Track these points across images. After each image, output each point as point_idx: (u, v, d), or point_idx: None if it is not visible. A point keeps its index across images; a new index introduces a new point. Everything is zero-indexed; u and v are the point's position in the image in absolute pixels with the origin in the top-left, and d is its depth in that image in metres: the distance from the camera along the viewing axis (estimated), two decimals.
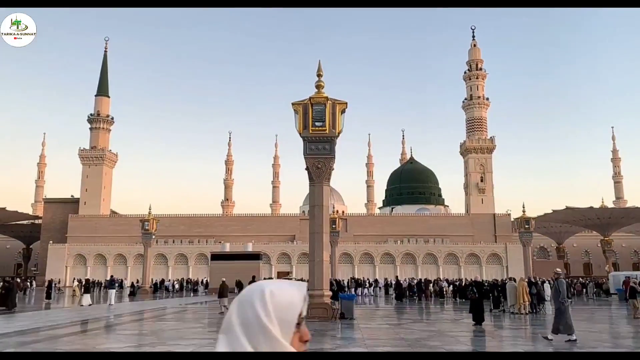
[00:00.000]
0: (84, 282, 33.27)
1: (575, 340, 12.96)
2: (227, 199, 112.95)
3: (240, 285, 43.91)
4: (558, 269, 15.16)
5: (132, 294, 47.67)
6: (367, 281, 52.64)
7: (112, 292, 32.21)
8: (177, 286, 58.45)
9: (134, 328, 18.32)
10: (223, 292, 23.74)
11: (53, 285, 46.11)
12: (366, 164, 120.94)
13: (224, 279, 26.48)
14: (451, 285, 43.82)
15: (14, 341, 13.46)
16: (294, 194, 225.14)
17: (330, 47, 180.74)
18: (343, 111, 19.90)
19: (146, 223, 49.21)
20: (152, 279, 55.61)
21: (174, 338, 13.95)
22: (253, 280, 25.76)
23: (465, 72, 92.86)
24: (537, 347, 13.68)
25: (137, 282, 53.24)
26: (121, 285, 54.22)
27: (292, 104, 19.89)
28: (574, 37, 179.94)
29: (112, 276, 42.73)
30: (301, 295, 1.39)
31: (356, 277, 63.85)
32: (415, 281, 44.05)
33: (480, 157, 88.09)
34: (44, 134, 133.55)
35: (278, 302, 1.35)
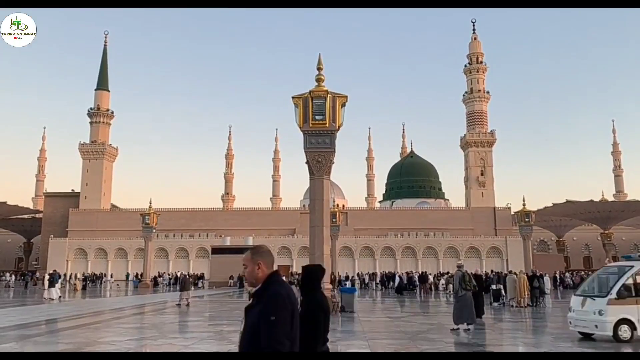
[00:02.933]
0: (48, 276, 32.88)
1: (457, 329, 13.95)
2: (228, 193, 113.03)
3: (241, 280, 44.17)
4: (460, 262, 16.26)
5: (84, 288, 46.42)
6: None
7: (52, 290, 30.71)
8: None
9: (135, 322, 18.38)
10: (185, 285, 23.63)
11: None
12: (366, 157, 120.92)
13: (186, 273, 26.26)
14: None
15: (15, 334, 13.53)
16: (295, 187, 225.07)
17: (330, 40, 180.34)
18: (343, 105, 19.86)
19: (147, 217, 49.25)
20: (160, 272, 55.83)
21: (174, 331, 14.01)
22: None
23: (465, 66, 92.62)
24: (537, 340, 13.74)
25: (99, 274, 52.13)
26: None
27: (292, 97, 19.84)
28: (575, 30, 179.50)
29: (54, 270, 41.95)
30: None
31: (356, 271, 64.04)
32: (417, 275, 44.11)
33: (481, 151, 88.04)
34: (44, 128, 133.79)
35: None
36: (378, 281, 48.85)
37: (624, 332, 11.69)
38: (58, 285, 32.01)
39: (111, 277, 63.77)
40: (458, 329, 14.07)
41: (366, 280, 50.89)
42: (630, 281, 12.22)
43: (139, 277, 53.78)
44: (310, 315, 3.96)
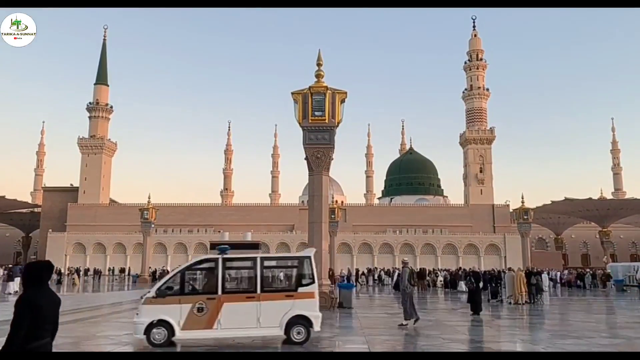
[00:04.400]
0: (7, 270, 32.66)
1: (410, 324, 14.09)
2: (227, 189, 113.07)
3: None
4: (405, 259, 16.69)
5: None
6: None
7: (11, 284, 30.19)
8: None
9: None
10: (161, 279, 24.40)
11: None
12: (365, 154, 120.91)
13: (165, 267, 26.70)
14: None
15: None
16: (294, 183, 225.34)
17: (330, 36, 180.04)
18: (343, 101, 19.83)
19: (145, 212, 49.25)
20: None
21: None
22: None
23: (465, 63, 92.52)
24: (534, 336, 13.78)
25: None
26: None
27: (292, 93, 19.80)
28: (575, 27, 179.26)
29: (15, 264, 41.29)
30: None
31: (355, 267, 64.04)
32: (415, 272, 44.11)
33: (480, 148, 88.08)
34: (43, 122, 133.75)
35: None
36: (376, 277, 48.85)
37: (157, 334, 10.10)
38: (18, 280, 31.13)
39: (94, 271, 64.00)
40: (407, 324, 14.21)
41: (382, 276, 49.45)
42: (179, 277, 10.65)
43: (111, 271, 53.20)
44: (15, 312, 4.11)
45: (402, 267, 15.71)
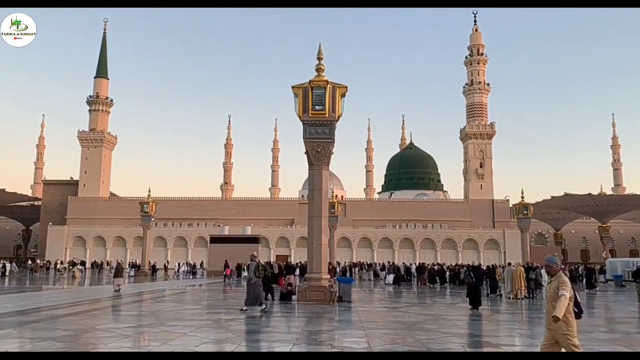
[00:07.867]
0: None
1: (246, 310, 15.38)
2: (227, 183, 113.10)
3: (239, 269, 44.20)
4: (254, 253, 17.91)
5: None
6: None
7: None
8: (185, 268, 57.97)
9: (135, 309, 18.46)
10: (118, 272, 25.29)
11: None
12: (366, 148, 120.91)
13: (120, 261, 28.17)
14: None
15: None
16: (294, 178, 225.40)
17: (331, 31, 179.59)
18: (343, 95, 19.78)
19: (145, 205, 49.30)
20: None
21: (173, 319, 14.05)
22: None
23: (466, 57, 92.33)
24: (532, 331, 13.81)
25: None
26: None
27: (292, 87, 19.76)
28: (576, 23, 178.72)
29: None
30: None
31: (355, 261, 64.20)
32: (414, 266, 44.16)
33: (480, 143, 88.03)
34: (43, 115, 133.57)
35: None
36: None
37: None
38: None
39: (61, 263, 62.93)
40: (247, 309, 15.41)
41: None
42: None
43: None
44: None
45: (250, 261, 16.75)
